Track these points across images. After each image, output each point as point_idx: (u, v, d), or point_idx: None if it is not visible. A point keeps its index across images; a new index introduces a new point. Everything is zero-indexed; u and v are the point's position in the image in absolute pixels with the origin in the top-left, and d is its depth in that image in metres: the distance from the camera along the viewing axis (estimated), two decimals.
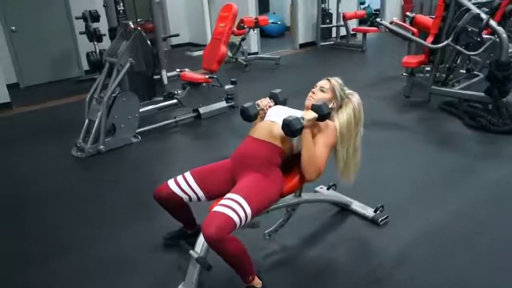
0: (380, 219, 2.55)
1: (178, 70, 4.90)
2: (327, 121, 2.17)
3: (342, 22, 8.51)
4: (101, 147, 3.87)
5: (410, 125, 4.28)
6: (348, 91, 2.32)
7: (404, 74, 4.96)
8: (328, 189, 2.93)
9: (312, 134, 2.09)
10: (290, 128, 2.03)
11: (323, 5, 8.66)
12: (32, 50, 6.70)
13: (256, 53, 8.22)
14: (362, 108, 2.29)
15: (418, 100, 4.86)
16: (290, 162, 2.20)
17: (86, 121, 4.05)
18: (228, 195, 1.91)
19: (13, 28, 6.46)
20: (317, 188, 2.95)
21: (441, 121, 4.32)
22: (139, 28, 4.16)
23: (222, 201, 1.87)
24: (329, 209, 2.75)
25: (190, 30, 9.69)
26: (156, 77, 5.05)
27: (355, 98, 2.29)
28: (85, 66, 7.10)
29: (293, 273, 2.23)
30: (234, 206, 1.84)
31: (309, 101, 2.24)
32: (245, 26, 7.04)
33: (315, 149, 2.07)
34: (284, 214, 2.43)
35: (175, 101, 4.61)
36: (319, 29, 8.74)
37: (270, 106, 2.34)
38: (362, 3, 12.00)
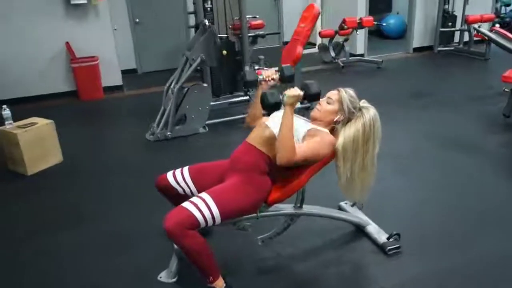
0: (389, 248, 2.32)
1: (256, 67, 5.02)
2: (327, 134, 2.06)
3: (465, 26, 7.63)
4: (168, 133, 4.22)
5: (496, 149, 3.71)
6: (363, 104, 2.16)
7: (505, 90, 4.28)
8: (352, 205, 2.75)
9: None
10: (264, 102, 1.93)
11: (445, 6, 7.85)
12: (151, 41, 7.52)
13: (362, 55, 7.88)
14: (378, 124, 2.11)
15: None
16: (283, 171, 2.15)
17: (162, 108, 4.46)
18: (200, 194, 1.96)
19: (137, 20, 7.34)
20: (342, 203, 2.79)
21: None
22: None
23: (192, 199, 1.94)
24: (344, 227, 2.59)
25: None
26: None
27: (369, 113, 2.10)
28: None
29: (275, 282, 2.19)
30: (200, 205, 1.89)
31: (314, 112, 2.16)
32: (347, 26, 6.81)
33: (292, 135, 1.91)
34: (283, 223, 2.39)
35: (246, 97, 4.75)
36: (437, 32, 7.96)
37: (273, 79, 2.25)
38: (508, 5, 10.51)
